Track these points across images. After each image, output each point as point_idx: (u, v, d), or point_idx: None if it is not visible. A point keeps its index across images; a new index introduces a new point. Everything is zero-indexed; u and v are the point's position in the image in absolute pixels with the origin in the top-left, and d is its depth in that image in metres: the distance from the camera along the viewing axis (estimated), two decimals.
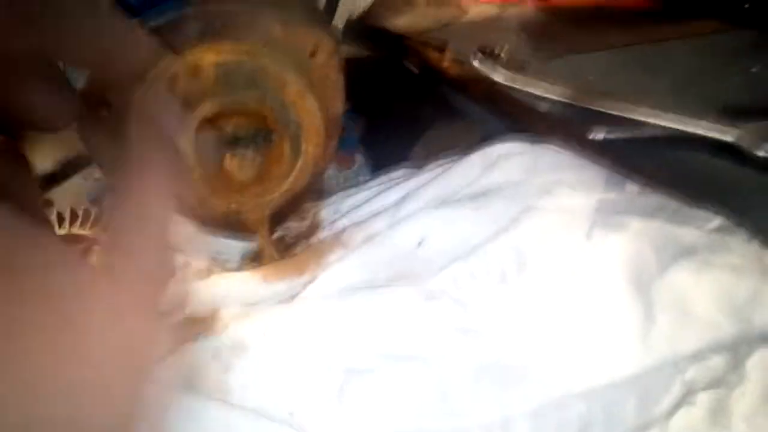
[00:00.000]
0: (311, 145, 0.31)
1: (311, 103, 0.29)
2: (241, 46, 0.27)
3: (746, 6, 0.56)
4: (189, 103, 0.27)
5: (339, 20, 0.52)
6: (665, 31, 0.58)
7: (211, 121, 0.29)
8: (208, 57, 0.27)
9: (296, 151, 0.31)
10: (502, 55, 0.54)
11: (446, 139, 0.45)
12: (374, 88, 0.50)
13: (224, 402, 0.26)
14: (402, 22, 0.64)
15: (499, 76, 0.51)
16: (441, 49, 0.55)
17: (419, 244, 0.31)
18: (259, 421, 0.25)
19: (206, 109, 0.27)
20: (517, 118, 0.46)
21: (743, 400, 0.26)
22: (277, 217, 0.34)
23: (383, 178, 0.37)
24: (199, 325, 0.29)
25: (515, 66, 0.54)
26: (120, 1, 0.29)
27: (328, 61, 0.30)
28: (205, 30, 0.27)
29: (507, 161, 0.35)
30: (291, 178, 0.31)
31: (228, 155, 0.31)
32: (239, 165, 0.31)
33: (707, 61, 0.52)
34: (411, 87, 0.53)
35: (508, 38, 0.60)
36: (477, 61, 0.53)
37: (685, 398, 0.27)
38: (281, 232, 0.35)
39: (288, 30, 0.28)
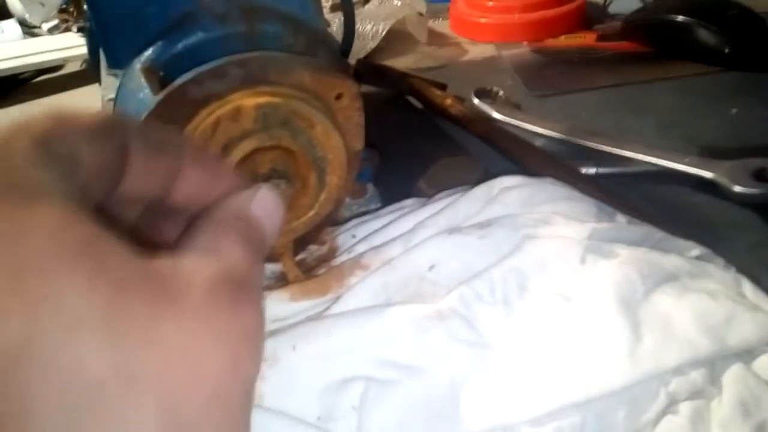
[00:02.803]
0: (335, 178, 0.34)
1: (336, 141, 0.33)
2: (278, 90, 0.31)
3: (726, 51, 0.60)
4: (228, 145, 0.31)
5: (351, 60, 0.56)
6: (651, 73, 0.62)
7: (247, 157, 0.32)
8: (249, 100, 0.30)
9: (321, 183, 0.34)
10: (500, 94, 0.58)
11: (449, 172, 0.48)
12: (383, 123, 0.53)
13: (259, 406, 0.29)
14: (406, 61, 0.68)
15: (497, 114, 0.55)
16: (442, 88, 0.59)
17: (431, 268, 0.35)
18: (289, 423, 0.28)
19: (246, 146, 0.31)
20: (514, 154, 0.49)
21: (720, 409, 0.29)
22: (301, 242, 0.37)
23: (396, 207, 0.41)
24: None
25: (512, 104, 0.58)
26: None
27: (351, 103, 0.34)
28: (246, 77, 0.31)
29: (508, 194, 0.38)
30: (316, 208, 0.35)
31: None
32: None
33: (690, 102, 0.56)
34: (416, 122, 0.57)
35: (504, 78, 0.64)
36: (476, 99, 0.57)
37: (669, 408, 0.29)
38: (303, 255, 0.38)
39: (317, 77, 0.32)
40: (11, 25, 0.80)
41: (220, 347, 0.13)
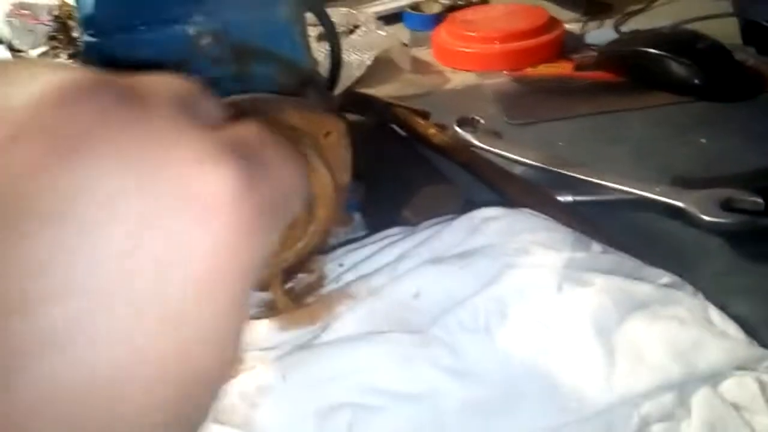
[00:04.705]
0: (323, 211, 0.36)
1: (325, 177, 0.35)
2: (270, 130, 0.32)
3: (696, 82, 0.63)
4: None
5: (338, 89, 0.57)
6: (626, 103, 0.64)
7: None
8: None
9: (310, 216, 0.36)
10: (481, 122, 0.60)
11: (433, 200, 0.50)
12: (368, 151, 0.55)
13: None
14: (390, 88, 0.70)
15: (478, 143, 0.57)
16: (425, 116, 0.61)
17: (415, 296, 0.36)
18: None
19: None
20: (494, 182, 0.51)
21: (689, 430, 0.31)
22: (289, 271, 0.39)
23: (381, 235, 0.42)
24: None
25: (492, 133, 0.60)
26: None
27: (339, 140, 0.35)
28: (237, 117, 0.32)
29: (489, 225, 0.40)
30: (305, 239, 0.36)
31: None
32: None
33: (662, 132, 0.58)
34: (400, 151, 0.58)
35: (485, 106, 0.66)
36: (458, 128, 0.59)
37: (642, 430, 0.31)
38: (292, 284, 0.39)
39: (307, 116, 0.34)
40: (0, 52, 0.81)
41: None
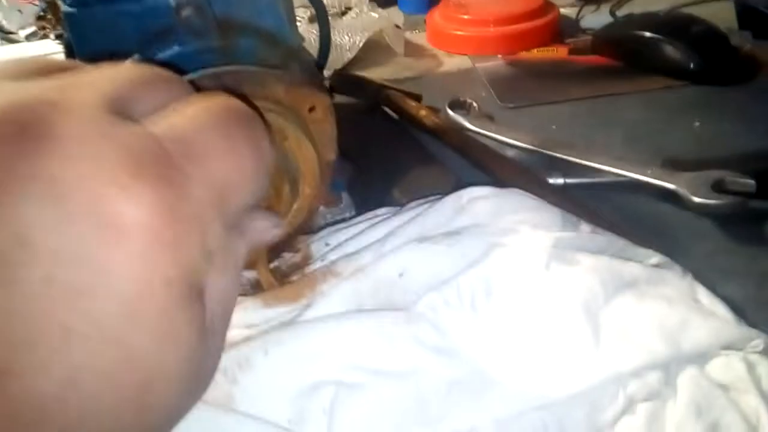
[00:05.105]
0: (308, 187, 0.35)
1: (309, 152, 0.34)
2: (252, 103, 0.32)
3: (691, 66, 0.62)
4: None
5: (328, 71, 0.57)
6: (620, 86, 0.64)
7: None
8: None
9: (294, 193, 0.35)
10: (474, 105, 0.60)
11: (423, 181, 0.49)
12: (359, 133, 0.54)
13: (231, 409, 0.29)
14: (383, 71, 0.70)
15: (470, 125, 0.57)
16: (418, 99, 0.61)
17: (401, 275, 0.36)
18: (261, 426, 0.29)
19: None
20: (485, 164, 0.51)
21: (674, 410, 0.30)
22: (274, 250, 0.38)
23: (368, 215, 0.42)
24: None
25: (485, 116, 0.59)
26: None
27: (324, 116, 0.35)
28: (221, 90, 0.32)
29: (476, 204, 0.40)
30: (289, 217, 0.36)
31: None
32: None
33: (655, 115, 0.58)
34: (392, 133, 0.58)
35: (479, 89, 0.66)
36: (450, 111, 0.59)
37: (627, 409, 0.30)
38: (277, 263, 0.39)
39: (290, 90, 0.33)
40: None
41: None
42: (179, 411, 0.15)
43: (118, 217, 0.12)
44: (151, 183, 0.13)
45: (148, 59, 0.33)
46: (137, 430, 0.13)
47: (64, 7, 0.33)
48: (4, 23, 0.80)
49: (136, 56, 0.33)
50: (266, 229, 0.19)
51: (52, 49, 0.74)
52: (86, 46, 0.34)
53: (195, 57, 0.33)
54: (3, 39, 0.79)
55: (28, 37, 0.79)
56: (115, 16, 0.33)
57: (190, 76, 0.31)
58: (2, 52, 0.76)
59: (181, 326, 0.13)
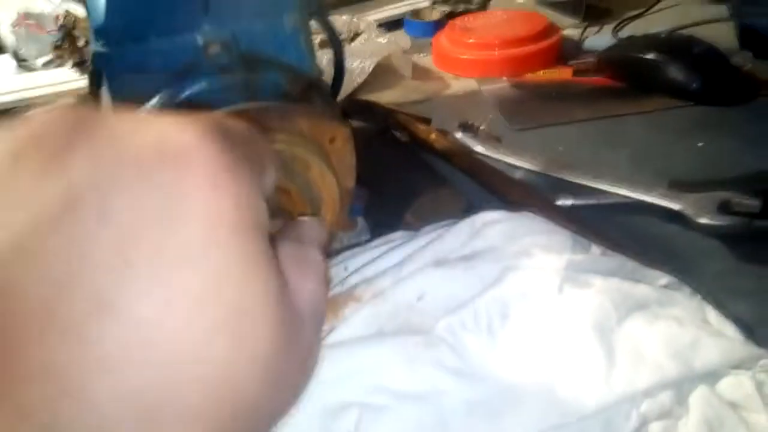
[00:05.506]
0: (329, 214, 0.37)
1: (330, 181, 0.35)
2: (279, 137, 0.33)
3: (693, 87, 0.64)
4: None
5: (340, 95, 0.58)
6: (624, 107, 0.65)
7: None
8: None
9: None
10: (482, 128, 0.61)
11: (434, 204, 0.50)
12: (371, 157, 0.56)
13: None
14: (392, 95, 0.71)
15: (479, 148, 0.58)
16: (427, 122, 0.62)
17: (419, 298, 0.37)
18: None
19: None
20: (495, 186, 0.52)
21: (687, 428, 0.31)
22: None
23: (385, 240, 0.43)
24: None
25: (493, 138, 0.61)
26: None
27: (343, 146, 0.36)
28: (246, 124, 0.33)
29: (490, 228, 0.41)
30: None
31: None
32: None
33: (660, 136, 0.59)
34: (402, 156, 0.59)
35: (486, 112, 0.67)
36: (459, 133, 0.60)
37: (641, 428, 0.31)
38: None
39: (313, 123, 0.35)
40: (5, 60, 0.82)
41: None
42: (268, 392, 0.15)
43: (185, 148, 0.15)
44: (214, 131, 0.15)
45: (177, 95, 0.34)
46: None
47: (96, 47, 0.34)
48: (22, 52, 0.82)
49: (165, 92, 0.35)
50: (315, 227, 0.21)
51: (68, 77, 0.76)
52: (116, 82, 0.36)
53: (221, 92, 0.34)
54: (20, 67, 0.81)
55: (45, 65, 0.81)
56: (144, 54, 0.34)
57: (218, 112, 0.32)
58: (20, 81, 0.78)
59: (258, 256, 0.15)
